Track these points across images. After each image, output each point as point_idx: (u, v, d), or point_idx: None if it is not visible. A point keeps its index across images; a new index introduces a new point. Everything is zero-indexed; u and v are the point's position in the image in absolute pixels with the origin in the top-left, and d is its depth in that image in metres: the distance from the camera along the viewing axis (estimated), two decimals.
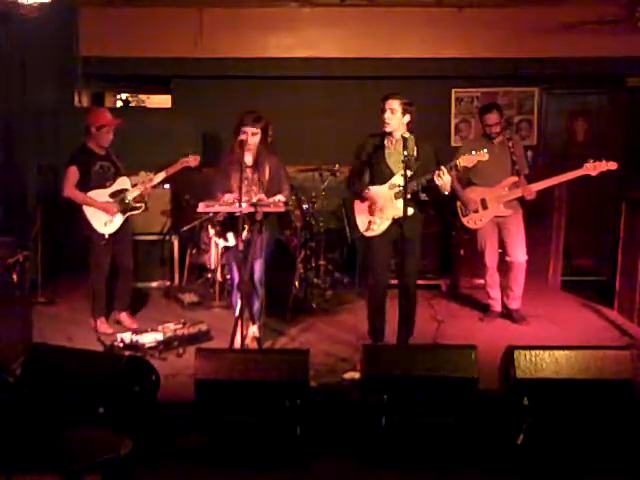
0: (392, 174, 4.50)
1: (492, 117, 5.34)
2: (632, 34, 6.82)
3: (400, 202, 4.30)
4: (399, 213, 4.31)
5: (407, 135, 4.31)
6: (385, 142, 4.54)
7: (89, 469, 2.78)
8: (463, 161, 4.33)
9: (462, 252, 6.24)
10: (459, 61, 7.30)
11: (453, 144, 7.39)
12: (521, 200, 5.34)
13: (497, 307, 5.60)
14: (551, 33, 7.09)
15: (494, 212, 5.34)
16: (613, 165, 4.95)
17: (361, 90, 7.40)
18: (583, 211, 6.88)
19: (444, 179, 4.25)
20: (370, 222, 4.60)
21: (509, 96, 7.48)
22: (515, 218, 5.38)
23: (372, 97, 6.91)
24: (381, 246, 4.56)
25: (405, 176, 4.19)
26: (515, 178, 5.29)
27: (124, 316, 5.42)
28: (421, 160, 4.43)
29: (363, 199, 4.63)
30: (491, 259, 5.49)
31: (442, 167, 4.28)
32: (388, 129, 4.44)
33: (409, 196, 4.29)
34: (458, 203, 5.45)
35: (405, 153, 4.20)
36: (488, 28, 7.22)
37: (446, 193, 4.36)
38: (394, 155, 4.49)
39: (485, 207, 5.35)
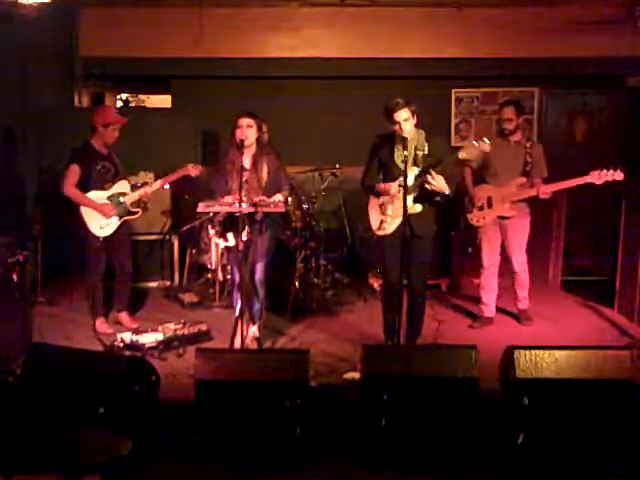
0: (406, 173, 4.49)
1: (507, 111, 5.28)
2: (632, 34, 6.81)
3: (410, 199, 4.36)
4: (409, 210, 4.34)
5: (406, 135, 4.34)
6: (395, 142, 4.53)
7: (89, 469, 2.78)
8: (465, 154, 4.31)
9: (470, 250, 6.12)
10: (459, 61, 7.30)
11: (453, 144, 7.40)
12: (530, 202, 5.31)
13: (488, 313, 5.53)
14: (551, 33, 7.08)
15: (499, 212, 5.30)
16: (620, 175, 4.85)
17: (361, 90, 7.40)
18: (583, 211, 6.88)
19: (434, 183, 4.24)
20: (382, 221, 4.61)
21: (509, 96, 7.46)
22: (519, 222, 5.33)
23: (372, 97, 6.97)
24: (392, 245, 4.55)
25: (405, 176, 4.20)
26: (524, 179, 5.25)
27: (123, 316, 5.43)
28: (432, 156, 4.43)
29: (376, 195, 4.65)
30: (488, 259, 5.43)
31: (431, 171, 4.28)
32: (409, 137, 4.40)
33: (416, 193, 4.39)
34: (465, 199, 5.44)
35: (405, 153, 4.22)
36: (488, 28, 7.22)
37: (448, 192, 4.34)
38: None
39: (490, 205, 5.33)
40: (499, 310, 5.68)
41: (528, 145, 5.33)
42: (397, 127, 4.40)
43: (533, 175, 5.29)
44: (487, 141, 4.26)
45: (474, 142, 4.27)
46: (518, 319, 5.55)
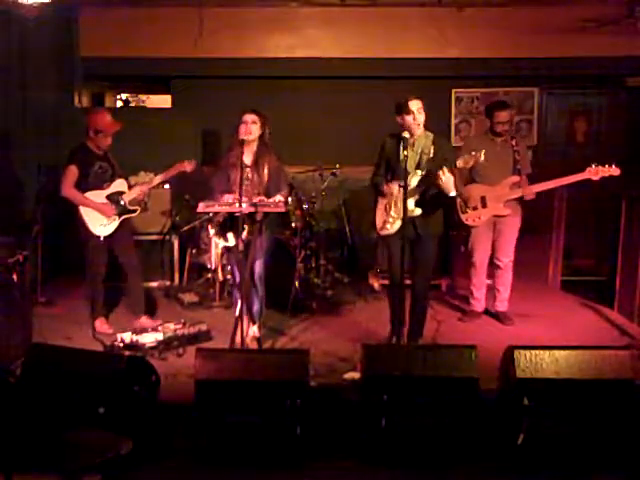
0: (407, 173, 4.49)
1: (505, 115, 5.28)
2: (632, 34, 6.83)
3: (411, 202, 4.38)
4: (412, 212, 4.38)
5: (407, 135, 4.34)
6: (402, 142, 4.48)
7: (89, 469, 2.78)
8: (462, 162, 4.33)
9: (462, 249, 6.16)
10: (459, 61, 7.30)
11: (453, 144, 7.40)
12: (521, 200, 5.33)
13: (478, 307, 5.60)
14: (551, 33, 7.10)
15: (493, 211, 5.31)
16: (616, 171, 4.87)
17: (361, 90, 7.41)
18: (583, 211, 6.88)
19: (444, 179, 4.25)
20: (385, 221, 4.63)
21: (509, 96, 7.47)
22: (512, 220, 5.34)
23: (372, 97, 7.02)
24: (395, 245, 4.55)
25: (405, 176, 4.20)
26: (517, 178, 5.26)
27: (144, 320, 5.29)
28: (437, 159, 4.43)
29: (383, 195, 4.66)
30: (480, 258, 5.46)
31: (443, 167, 4.28)
32: (419, 131, 4.41)
33: (418, 196, 4.41)
34: (458, 200, 5.42)
35: (405, 153, 4.23)
36: (488, 28, 7.23)
37: (453, 194, 4.34)
38: (410, 155, 4.46)
39: (484, 205, 5.32)
40: None
41: (514, 143, 5.34)
42: (411, 117, 4.39)
43: (521, 173, 5.31)
44: (483, 152, 4.26)
45: (473, 152, 4.30)
46: (499, 320, 5.54)
